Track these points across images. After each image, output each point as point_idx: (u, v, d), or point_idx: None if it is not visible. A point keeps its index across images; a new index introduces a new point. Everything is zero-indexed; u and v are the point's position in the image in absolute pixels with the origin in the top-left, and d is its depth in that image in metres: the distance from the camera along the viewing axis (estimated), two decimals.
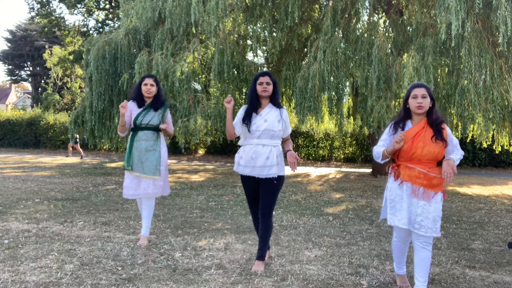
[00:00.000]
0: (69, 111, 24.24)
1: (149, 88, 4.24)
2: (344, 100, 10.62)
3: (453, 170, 2.91)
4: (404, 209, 3.00)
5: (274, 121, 3.53)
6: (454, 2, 6.71)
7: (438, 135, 2.99)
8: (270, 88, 3.57)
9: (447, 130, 3.05)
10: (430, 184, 2.97)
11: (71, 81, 32.41)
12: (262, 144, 3.51)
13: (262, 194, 3.56)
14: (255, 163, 3.49)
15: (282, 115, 3.60)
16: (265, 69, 12.14)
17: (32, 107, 29.38)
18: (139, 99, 4.29)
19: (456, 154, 3.04)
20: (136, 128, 4.26)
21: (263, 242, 3.57)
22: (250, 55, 12.19)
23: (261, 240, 3.58)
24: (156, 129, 4.28)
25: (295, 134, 18.35)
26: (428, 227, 2.93)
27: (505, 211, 6.84)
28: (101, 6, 22.66)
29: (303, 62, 10.37)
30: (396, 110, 8.32)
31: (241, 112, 3.62)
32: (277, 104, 3.64)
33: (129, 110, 4.27)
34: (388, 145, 3.17)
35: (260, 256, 3.56)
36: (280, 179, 3.58)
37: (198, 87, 11.19)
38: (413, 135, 3.03)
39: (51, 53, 31.04)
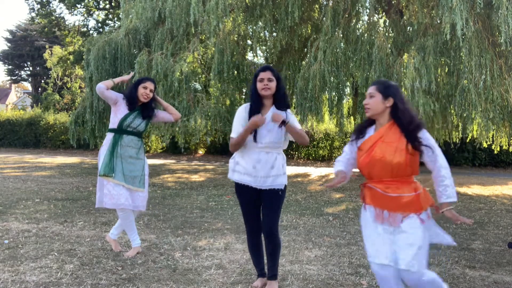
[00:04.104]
0: (69, 111, 24.24)
1: (148, 93, 3.88)
2: (344, 100, 10.62)
3: (457, 218, 2.36)
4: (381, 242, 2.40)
5: (278, 131, 2.98)
6: (457, 2, 6.71)
7: (412, 143, 2.38)
8: (273, 85, 2.99)
9: (425, 135, 2.42)
10: (397, 205, 2.39)
11: (71, 81, 32.40)
12: (266, 151, 3.00)
13: (265, 209, 3.05)
14: (258, 172, 2.98)
15: (288, 115, 3.03)
16: None
17: (32, 107, 29.36)
18: (132, 101, 3.86)
19: (446, 187, 2.35)
20: (121, 131, 3.82)
21: (273, 260, 3.09)
22: (250, 55, 12.20)
23: (270, 258, 3.09)
24: (141, 136, 3.95)
25: None
26: (407, 259, 2.29)
27: (505, 211, 6.84)
28: (101, 6, 22.66)
29: (303, 62, 10.37)
30: None
31: (242, 116, 3.05)
32: (282, 105, 3.05)
33: (118, 101, 3.88)
34: (346, 157, 2.67)
35: (273, 276, 3.10)
36: (284, 190, 3.10)
37: (198, 87, 11.19)
38: (369, 147, 2.48)
39: (51, 53, 31.05)
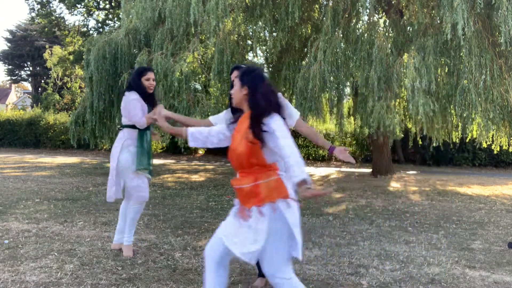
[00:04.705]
0: (69, 111, 24.23)
1: (152, 84, 3.93)
2: (344, 100, 10.62)
3: (312, 194, 2.08)
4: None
5: None
6: (458, 1, 6.71)
7: (251, 130, 2.23)
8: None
9: (270, 121, 2.23)
10: (244, 196, 2.29)
11: (71, 81, 32.38)
12: None
13: None
14: None
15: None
16: (265, 69, 12.13)
17: (32, 107, 29.35)
18: (145, 96, 3.89)
19: (291, 167, 2.11)
20: (146, 127, 3.93)
21: None
22: (250, 55, 12.19)
23: None
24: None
25: (295, 134, 18.35)
26: (242, 251, 2.19)
27: (505, 211, 6.84)
28: (101, 6, 22.65)
29: (303, 62, 10.37)
30: (396, 110, 8.33)
31: (224, 115, 2.97)
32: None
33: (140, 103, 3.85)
34: (212, 130, 2.55)
35: None
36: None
37: (198, 86, 11.19)
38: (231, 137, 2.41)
39: (51, 53, 31.02)
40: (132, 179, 3.87)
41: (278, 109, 2.31)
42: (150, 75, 3.93)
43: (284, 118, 2.33)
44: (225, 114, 2.99)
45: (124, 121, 3.92)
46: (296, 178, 2.08)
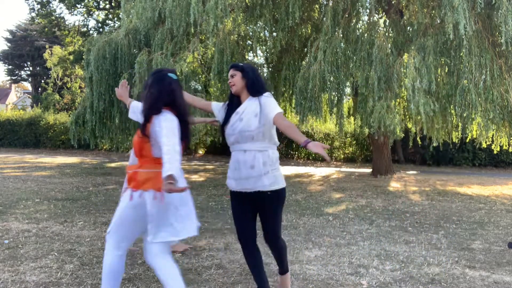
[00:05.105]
0: (69, 111, 24.24)
1: None
2: (344, 100, 10.62)
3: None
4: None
5: (250, 117, 2.72)
6: (459, 1, 6.71)
7: (141, 125, 2.49)
8: (236, 79, 2.82)
9: (159, 118, 2.42)
10: (127, 179, 2.62)
11: (71, 81, 32.39)
12: (244, 149, 2.75)
13: (261, 216, 2.84)
14: (240, 174, 2.75)
15: (261, 103, 2.75)
16: (264, 69, 12.13)
17: (32, 107, 29.36)
18: None
19: (164, 164, 2.24)
20: None
21: (281, 262, 2.99)
22: (250, 55, 12.19)
23: (277, 261, 3.00)
24: None
25: None
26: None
27: (505, 211, 6.84)
28: (101, 6, 22.65)
29: (303, 62, 10.37)
30: (397, 110, 8.32)
31: (222, 104, 3.00)
32: (254, 92, 2.80)
33: None
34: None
35: (283, 271, 3.02)
36: (277, 193, 2.77)
37: (198, 87, 11.18)
38: None
39: (51, 53, 31.02)
40: None
41: (176, 108, 2.52)
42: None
43: (180, 117, 2.53)
44: (222, 105, 2.99)
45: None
46: (164, 173, 2.22)
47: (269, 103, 2.72)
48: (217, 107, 2.99)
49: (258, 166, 2.71)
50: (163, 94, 2.51)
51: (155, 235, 2.43)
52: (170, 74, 2.61)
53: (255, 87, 2.81)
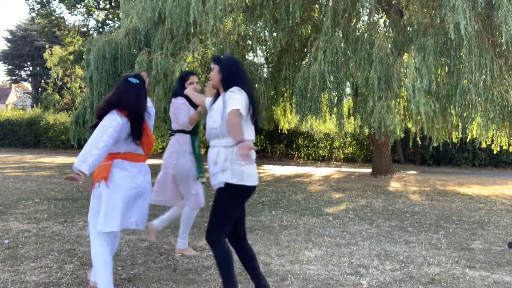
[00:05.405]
0: (69, 111, 24.24)
1: (196, 87, 3.85)
2: (344, 100, 10.61)
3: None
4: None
5: (216, 114, 2.70)
6: (460, 1, 6.71)
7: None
8: (213, 73, 2.79)
9: (106, 117, 2.80)
10: None
11: (71, 81, 32.40)
12: (212, 145, 2.75)
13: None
14: (211, 171, 2.74)
15: (224, 99, 2.67)
16: (264, 69, 12.12)
17: (32, 107, 29.37)
18: (189, 98, 3.76)
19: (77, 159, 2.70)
20: (196, 132, 3.95)
21: (222, 276, 2.70)
22: (250, 55, 12.19)
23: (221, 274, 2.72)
24: None
25: (295, 134, 18.35)
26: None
27: (505, 211, 6.84)
28: (101, 6, 22.66)
29: (303, 62, 10.37)
30: (397, 110, 8.33)
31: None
32: (226, 87, 2.72)
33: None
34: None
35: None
36: (228, 188, 2.63)
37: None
38: None
39: (51, 53, 31.04)
40: (192, 186, 3.89)
41: (126, 109, 2.84)
42: (193, 78, 3.92)
43: (131, 116, 2.82)
44: (210, 101, 3.00)
45: (174, 126, 3.92)
46: (74, 168, 2.65)
47: (230, 99, 2.62)
48: (208, 103, 2.99)
49: (219, 162, 2.65)
50: (114, 97, 2.88)
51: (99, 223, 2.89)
52: (130, 79, 2.95)
53: (226, 82, 2.72)
